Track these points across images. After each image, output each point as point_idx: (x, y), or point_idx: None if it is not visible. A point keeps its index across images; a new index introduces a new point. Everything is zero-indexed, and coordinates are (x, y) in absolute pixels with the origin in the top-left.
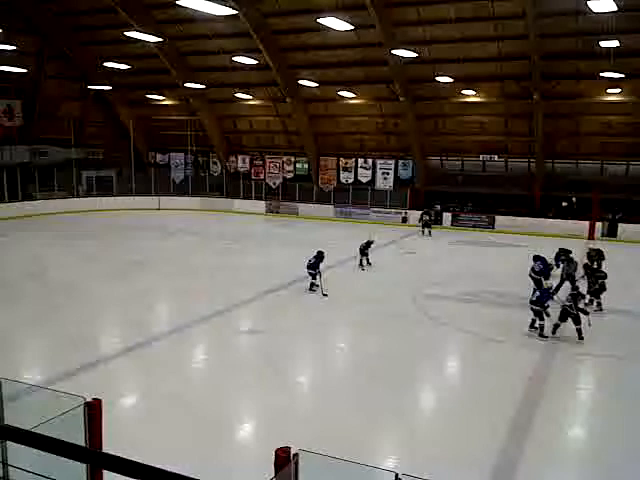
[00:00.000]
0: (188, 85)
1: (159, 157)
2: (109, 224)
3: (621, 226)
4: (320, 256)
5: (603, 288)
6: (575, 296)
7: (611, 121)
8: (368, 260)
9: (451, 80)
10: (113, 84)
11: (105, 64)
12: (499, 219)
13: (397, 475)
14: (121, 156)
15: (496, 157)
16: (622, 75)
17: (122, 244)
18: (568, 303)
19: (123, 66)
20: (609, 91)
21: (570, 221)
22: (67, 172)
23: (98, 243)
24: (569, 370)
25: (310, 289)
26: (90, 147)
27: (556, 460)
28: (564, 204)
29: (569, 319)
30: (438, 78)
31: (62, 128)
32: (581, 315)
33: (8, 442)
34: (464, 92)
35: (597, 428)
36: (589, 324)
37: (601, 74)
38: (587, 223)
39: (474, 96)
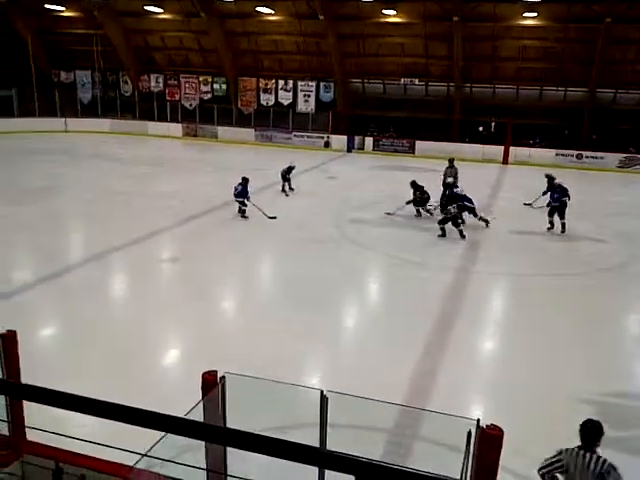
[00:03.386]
0: None
1: (64, 75)
2: (12, 147)
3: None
4: (245, 182)
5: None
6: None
7: (526, 46)
8: (290, 185)
9: None
10: None
11: None
12: (419, 144)
13: (322, 392)
14: (21, 74)
15: (417, 81)
16: None
17: (29, 169)
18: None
19: None
20: (525, 15)
21: (487, 146)
22: None
23: (1, 169)
24: (483, 288)
25: (242, 216)
26: None
27: (469, 373)
28: (480, 129)
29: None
30: None
31: None
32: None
33: None
34: (385, 12)
35: (507, 342)
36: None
37: None
38: (502, 148)
39: (395, 16)
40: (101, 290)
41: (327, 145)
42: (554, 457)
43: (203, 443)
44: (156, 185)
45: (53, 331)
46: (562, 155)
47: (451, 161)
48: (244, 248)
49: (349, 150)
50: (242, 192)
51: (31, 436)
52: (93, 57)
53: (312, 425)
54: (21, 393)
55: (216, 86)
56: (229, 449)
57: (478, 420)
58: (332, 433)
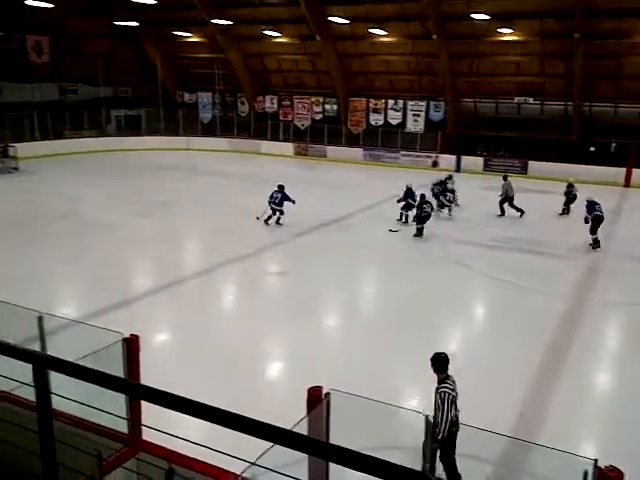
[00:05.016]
0: (215, 21)
1: (187, 96)
2: (138, 164)
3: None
4: (282, 190)
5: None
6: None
7: None
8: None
9: (487, 17)
10: (140, 20)
11: None
12: (532, 164)
13: (427, 417)
14: (149, 95)
15: (531, 99)
16: None
17: (151, 184)
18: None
19: (150, 0)
20: None
21: (607, 167)
22: (96, 110)
23: (128, 183)
24: (598, 318)
25: (277, 223)
26: (118, 85)
27: (583, 408)
28: (592, 149)
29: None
30: (473, 15)
31: (90, 66)
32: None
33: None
34: (500, 30)
35: (626, 376)
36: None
37: None
38: (624, 170)
39: (511, 35)
40: (211, 301)
41: (435, 165)
42: (447, 404)
43: (306, 458)
44: (265, 201)
45: (165, 337)
46: None
47: (505, 177)
48: (347, 264)
49: (458, 170)
50: (282, 200)
51: (146, 435)
52: (214, 79)
53: (412, 449)
54: (141, 394)
55: (327, 106)
56: (331, 465)
57: (596, 460)
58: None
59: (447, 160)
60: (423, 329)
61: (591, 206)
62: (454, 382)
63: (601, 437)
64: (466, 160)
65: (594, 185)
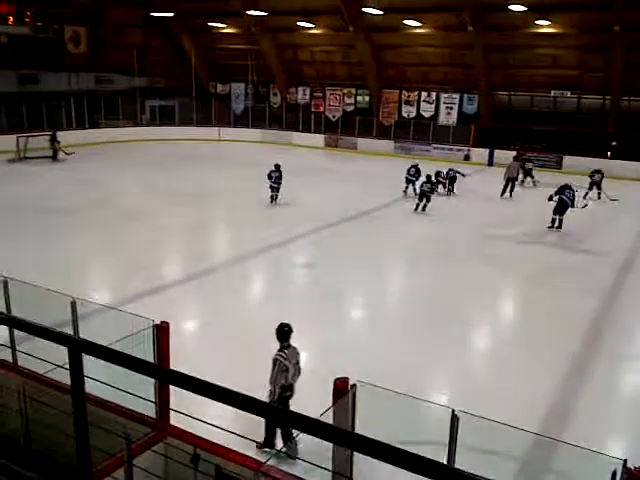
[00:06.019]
0: (250, 12)
1: (220, 87)
2: (172, 153)
3: None
4: (279, 168)
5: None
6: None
7: None
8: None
9: (525, 9)
10: (175, 11)
11: None
12: (567, 159)
13: (454, 411)
14: (183, 85)
15: (568, 93)
16: None
17: (185, 174)
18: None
19: None
20: None
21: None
22: (131, 100)
23: (162, 172)
24: (629, 318)
25: (275, 201)
26: (153, 75)
27: (612, 409)
28: (614, 143)
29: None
30: (511, 6)
31: (126, 56)
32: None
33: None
34: (538, 22)
35: None
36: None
37: None
38: None
39: (548, 27)
40: (240, 290)
41: (467, 158)
42: (276, 370)
43: (330, 447)
44: (296, 192)
45: (194, 324)
46: None
47: (515, 158)
48: (375, 256)
49: (490, 164)
50: (279, 179)
51: (173, 421)
52: (247, 70)
53: (436, 443)
54: (170, 379)
55: (359, 98)
56: (355, 455)
57: (625, 460)
58: (458, 454)
59: (479, 153)
60: (452, 322)
61: (561, 190)
62: (297, 354)
63: (631, 437)
64: (499, 154)
65: (630, 181)
